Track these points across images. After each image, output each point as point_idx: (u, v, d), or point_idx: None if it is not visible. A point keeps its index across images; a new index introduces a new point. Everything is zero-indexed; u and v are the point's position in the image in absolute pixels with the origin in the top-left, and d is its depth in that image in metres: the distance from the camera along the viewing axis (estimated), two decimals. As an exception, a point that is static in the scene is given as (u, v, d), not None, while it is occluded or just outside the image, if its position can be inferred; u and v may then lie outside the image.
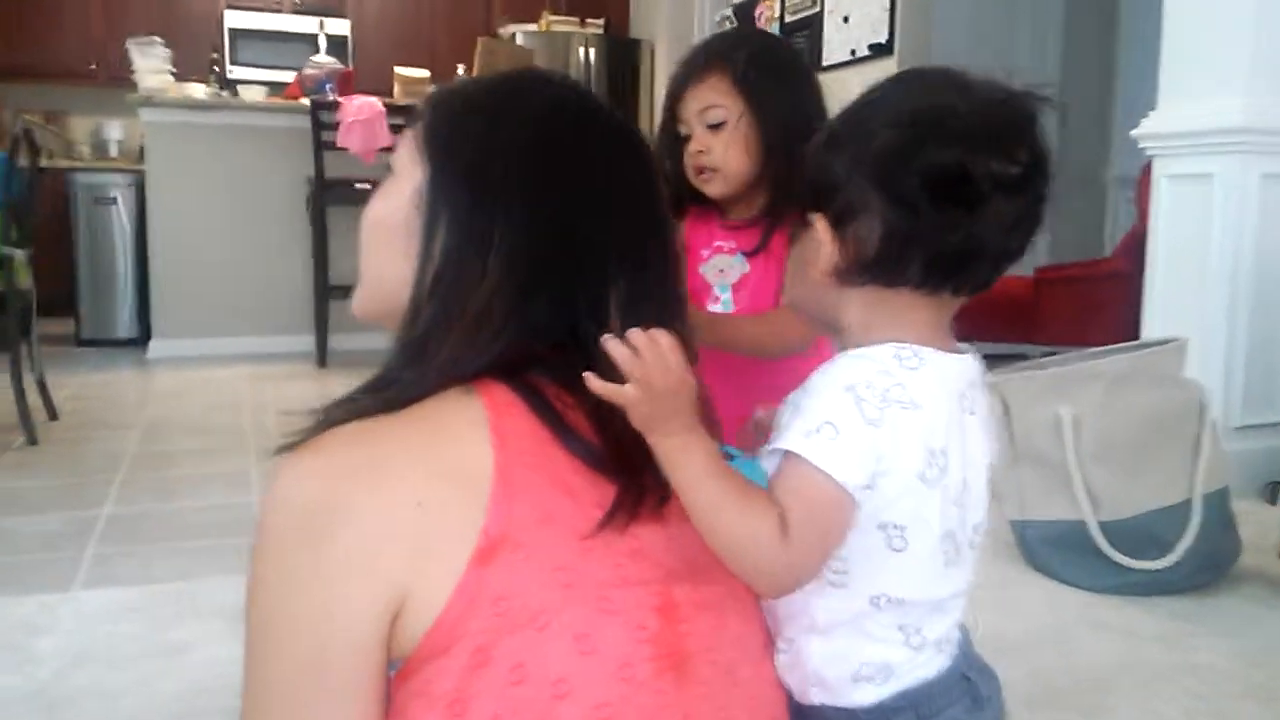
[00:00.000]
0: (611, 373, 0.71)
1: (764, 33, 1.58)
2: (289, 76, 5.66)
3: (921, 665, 0.78)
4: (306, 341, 5.08)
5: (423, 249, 0.77)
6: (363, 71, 5.56)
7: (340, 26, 6.73)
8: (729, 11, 5.97)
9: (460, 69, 5.56)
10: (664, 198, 0.86)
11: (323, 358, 4.86)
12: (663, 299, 0.81)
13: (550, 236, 0.77)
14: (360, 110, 4.59)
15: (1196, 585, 2.10)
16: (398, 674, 0.70)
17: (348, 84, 5.05)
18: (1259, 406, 2.88)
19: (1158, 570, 2.07)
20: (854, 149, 0.75)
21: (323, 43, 6.58)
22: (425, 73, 5.40)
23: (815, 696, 0.78)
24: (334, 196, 4.83)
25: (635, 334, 0.71)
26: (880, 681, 0.77)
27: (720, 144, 1.35)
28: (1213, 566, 2.14)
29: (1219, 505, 2.17)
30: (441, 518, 0.68)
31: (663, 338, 0.71)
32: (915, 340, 0.75)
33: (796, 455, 0.71)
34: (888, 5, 4.65)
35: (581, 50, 6.85)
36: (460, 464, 0.70)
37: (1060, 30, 5.35)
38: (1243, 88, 2.70)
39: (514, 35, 6.63)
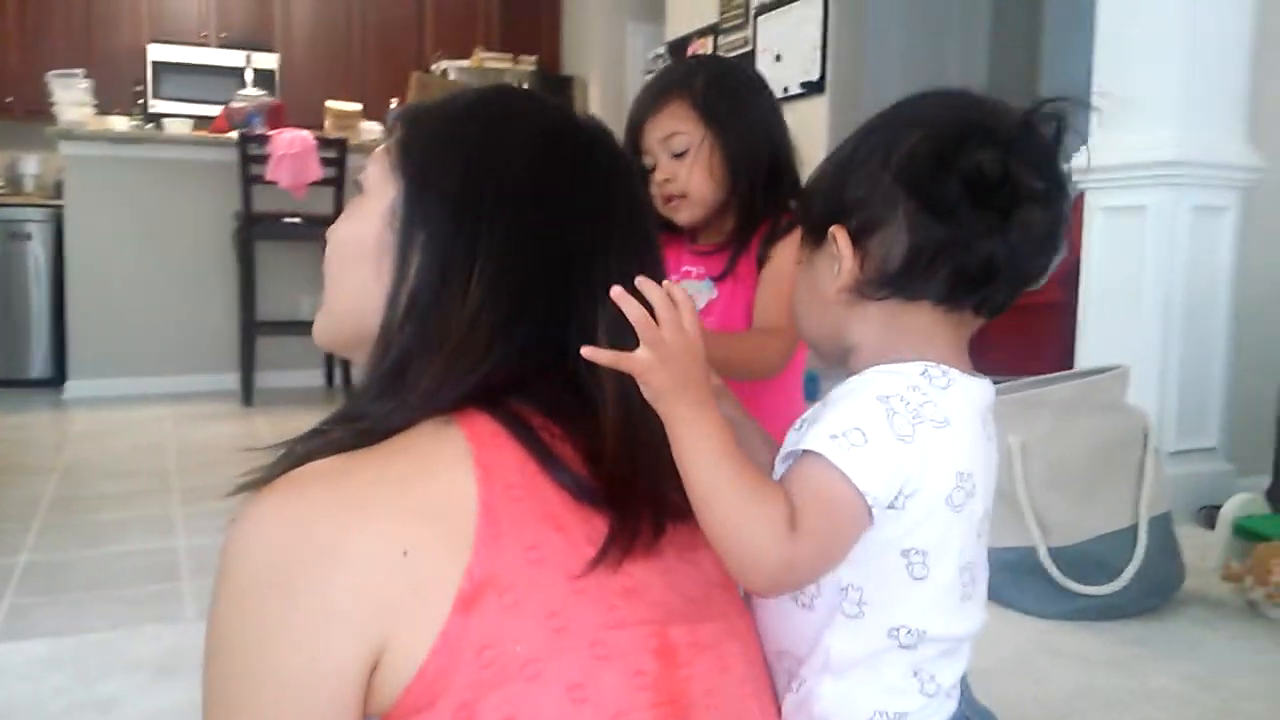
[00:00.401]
0: (602, 381, 0.69)
1: (719, 57, 1.59)
2: (214, 110, 5.54)
3: (933, 713, 0.74)
4: (231, 380, 4.94)
5: (397, 268, 0.73)
6: (291, 105, 5.46)
7: (268, 60, 6.63)
8: (662, 50, 6.02)
9: (394, 103, 5.50)
10: (653, 220, 0.83)
11: (248, 396, 4.72)
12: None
13: (538, 260, 0.73)
14: (291, 144, 4.51)
15: (1144, 609, 2.11)
16: None
17: (277, 117, 4.96)
18: (1192, 432, 2.94)
19: (1107, 595, 2.08)
20: (880, 157, 0.73)
21: (249, 76, 6.47)
22: (358, 106, 5.33)
23: None
24: (262, 231, 4.73)
25: (648, 286, 0.68)
26: None
27: (685, 170, 1.35)
28: (1159, 591, 2.16)
29: (1163, 530, 2.19)
30: (425, 562, 0.63)
31: (678, 293, 0.69)
32: (938, 360, 0.73)
33: (817, 454, 0.67)
34: (819, 44, 4.72)
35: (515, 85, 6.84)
36: (443, 501, 0.65)
37: (986, 66, 5.47)
38: (1174, 121, 2.77)
39: (445, 71, 6.60)
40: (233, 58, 6.52)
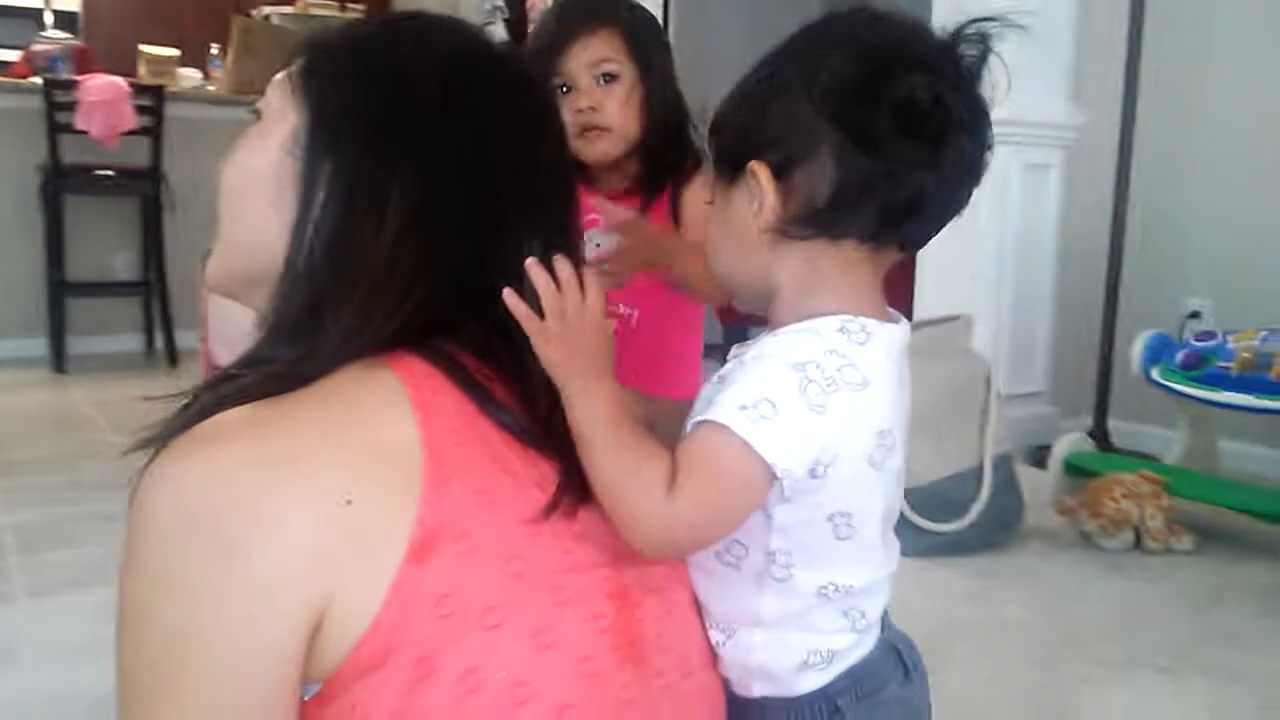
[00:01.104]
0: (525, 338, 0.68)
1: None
2: (11, 55, 5.08)
3: (859, 647, 0.75)
4: (39, 345, 4.58)
5: (301, 199, 0.68)
6: (99, 50, 5.07)
7: (69, 2, 6.13)
8: (500, 2, 5.88)
9: (214, 48, 5.19)
10: (571, 157, 0.80)
11: (60, 362, 4.39)
12: (577, 264, 0.74)
13: (458, 192, 0.69)
14: (102, 90, 4.18)
15: (990, 544, 2.24)
16: (316, 697, 0.59)
17: (84, 62, 4.59)
18: (1021, 378, 3.11)
19: (957, 532, 2.18)
20: (802, 86, 0.68)
21: (49, 19, 5.96)
22: (175, 52, 4.98)
23: (758, 690, 0.74)
24: (71, 185, 4.38)
25: (561, 265, 0.67)
26: (824, 667, 0.73)
27: (615, 101, 1.28)
28: (1003, 526, 2.29)
29: (1005, 469, 2.32)
30: (370, 511, 0.59)
31: (590, 279, 0.68)
32: (856, 308, 0.70)
33: (719, 424, 0.65)
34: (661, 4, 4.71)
35: (341, 35, 6.57)
36: (384, 446, 0.61)
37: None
38: (1005, 83, 2.89)
39: (268, 16, 6.26)
40: (28, -3, 6.00)
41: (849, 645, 0.74)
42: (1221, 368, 2.45)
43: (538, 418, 0.68)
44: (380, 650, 0.57)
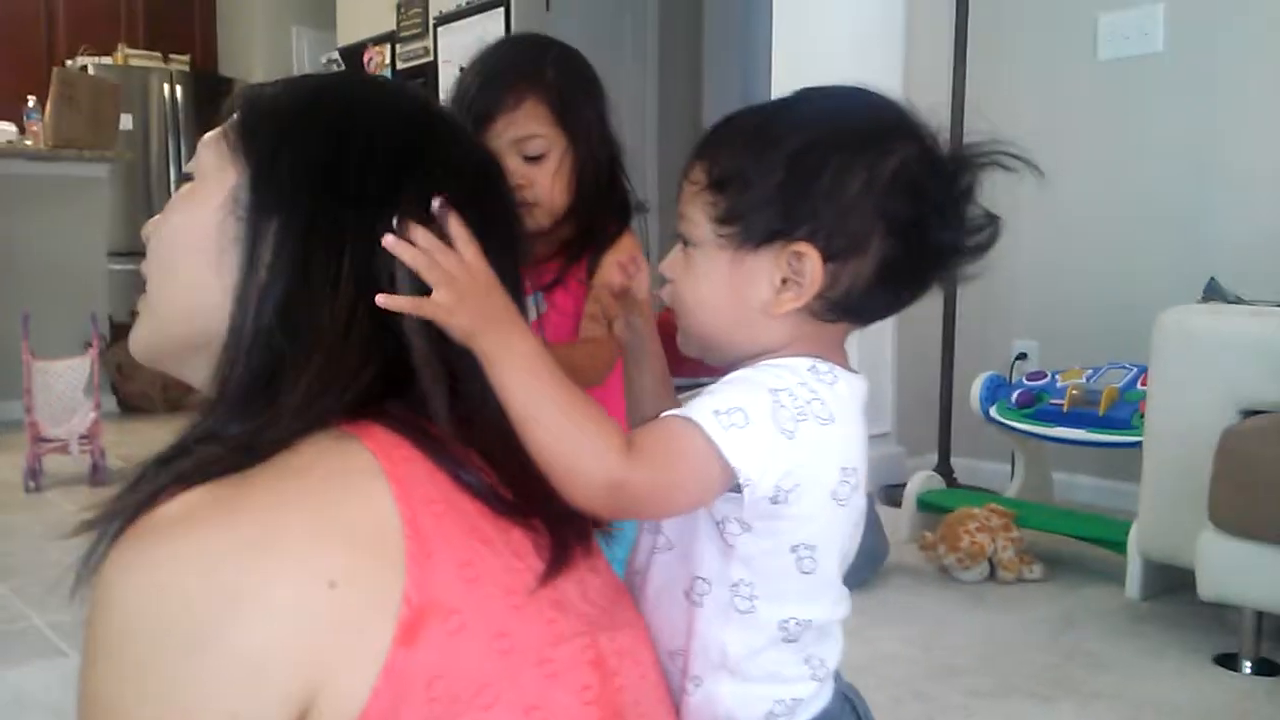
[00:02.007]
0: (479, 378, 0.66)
1: (558, 41, 1.34)
2: None
3: (819, 697, 0.77)
4: None
5: (245, 262, 0.65)
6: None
7: None
8: (335, 55, 5.81)
9: (31, 100, 4.90)
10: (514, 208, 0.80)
11: None
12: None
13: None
14: (-95, 144, 3.89)
15: (859, 583, 2.31)
16: None
17: (-117, 114, 4.27)
18: (870, 419, 3.19)
19: (828, 573, 2.25)
20: (862, 178, 0.70)
21: None
22: (-16, 104, 4.70)
23: None
24: None
25: (419, 233, 0.65)
26: (788, 717, 0.75)
27: (544, 176, 1.24)
28: (871, 564, 2.38)
29: (868, 509, 2.41)
30: (355, 593, 0.56)
31: (455, 228, 0.66)
32: (825, 357, 0.73)
33: (690, 420, 0.66)
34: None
35: (166, 87, 6.33)
36: (363, 523, 0.58)
37: (656, 86, 5.73)
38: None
39: (86, 67, 5.98)
40: None
41: (810, 694, 0.76)
42: (1054, 404, 2.63)
43: (505, 480, 0.66)
44: None
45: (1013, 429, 2.70)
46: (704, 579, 0.72)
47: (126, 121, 5.71)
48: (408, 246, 0.64)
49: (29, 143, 4.79)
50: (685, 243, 0.75)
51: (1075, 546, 2.53)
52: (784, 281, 0.72)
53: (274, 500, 0.59)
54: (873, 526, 2.40)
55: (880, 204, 0.71)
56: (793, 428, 0.67)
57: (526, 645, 0.61)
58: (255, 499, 0.58)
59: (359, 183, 0.66)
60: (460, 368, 0.66)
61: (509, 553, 0.63)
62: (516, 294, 0.74)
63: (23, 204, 4.54)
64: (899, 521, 2.72)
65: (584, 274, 1.28)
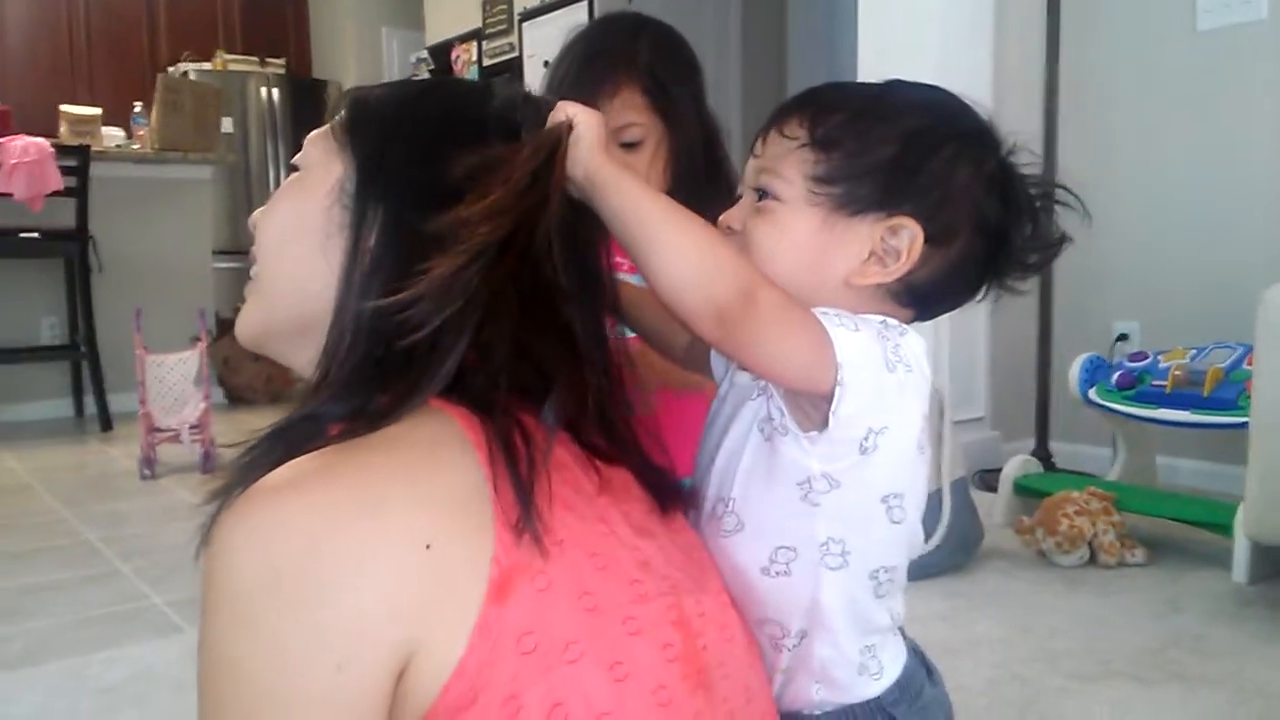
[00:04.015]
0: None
1: (654, 20, 1.29)
2: (-77, 117, 4.95)
3: (899, 653, 0.78)
4: (-39, 417, 4.45)
5: (351, 244, 0.70)
6: (14, 111, 4.96)
7: (-22, 63, 6.00)
8: (424, 54, 5.91)
9: (137, 106, 5.11)
10: None
11: (-13, 433, 4.25)
12: (600, 287, 0.76)
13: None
14: (25, 151, 4.10)
15: (954, 566, 2.29)
16: None
17: (4, 124, 4.49)
18: (963, 404, 3.21)
19: (922, 556, 2.24)
20: (970, 169, 0.72)
21: (-41, 81, 5.83)
22: (96, 111, 4.91)
23: (818, 694, 0.76)
24: (-7, 248, 4.28)
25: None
26: (876, 673, 0.76)
27: (641, 165, 1.21)
28: (964, 548, 2.35)
29: (962, 493, 2.39)
30: (450, 554, 0.60)
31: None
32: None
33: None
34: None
35: (263, 90, 6.53)
36: (456, 488, 0.62)
37: (739, 75, 5.72)
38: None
39: (187, 73, 6.20)
40: (-64, 59, 5.86)
41: (893, 647, 0.77)
42: (1156, 386, 2.56)
43: (594, 451, 0.70)
44: (468, 691, 0.58)
45: (1113, 411, 2.63)
46: (787, 547, 0.72)
47: (227, 125, 5.91)
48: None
49: (136, 147, 5.00)
50: (762, 195, 0.75)
51: (1179, 530, 2.46)
52: (870, 255, 0.72)
53: (374, 467, 0.62)
54: (967, 510, 2.37)
55: (977, 201, 0.72)
56: (893, 360, 0.67)
57: (611, 604, 0.63)
58: (357, 466, 0.61)
59: (461, 174, 0.69)
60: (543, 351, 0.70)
61: (594, 517, 0.66)
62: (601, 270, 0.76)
63: (132, 206, 4.75)
64: (995, 506, 2.68)
65: None
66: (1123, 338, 3.20)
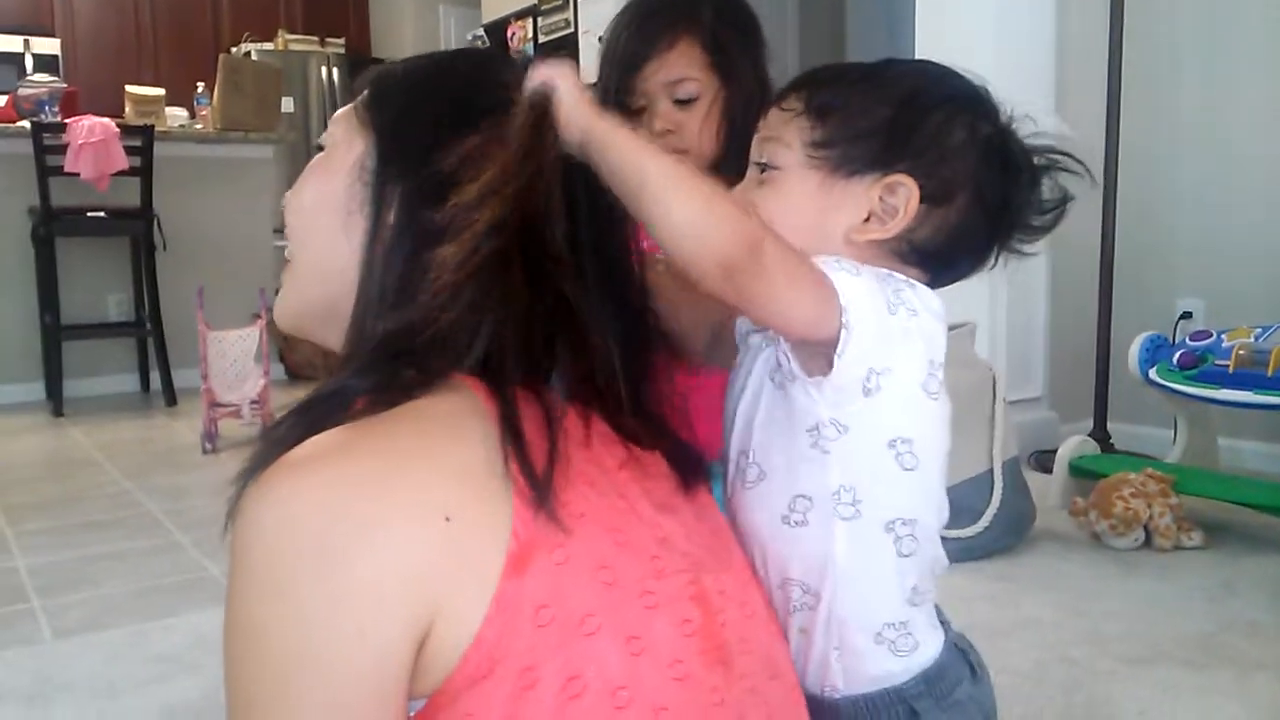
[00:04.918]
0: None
1: None
2: (-4, 99, 5.10)
3: (931, 641, 0.77)
4: (37, 390, 4.58)
5: (371, 223, 0.70)
6: (80, 92, 5.09)
7: (48, 45, 6.15)
8: (480, 32, 5.93)
9: (200, 86, 5.20)
10: None
11: (58, 406, 4.38)
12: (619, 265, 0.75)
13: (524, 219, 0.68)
14: (91, 131, 4.20)
15: (1004, 548, 2.26)
16: (428, 705, 0.61)
17: (72, 104, 4.61)
18: (1020, 383, 3.16)
19: (972, 537, 2.21)
20: (965, 131, 0.74)
21: (29, 63, 5.98)
22: (160, 91, 5.01)
23: (836, 661, 0.75)
24: (63, 227, 4.40)
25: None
26: (903, 651, 0.75)
27: (694, 122, 1.20)
28: (1015, 530, 2.32)
29: (1014, 473, 2.35)
30: (469, 526, 0.60)
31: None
32: None
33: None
34: None
35: (323, 69, 6.61)
36: (475, 461, 0.62)
37: (798, 62, 5.65)
38: (998, 61, 2.96)
39: (249, 53, 6.29)
40: (9, 43, 6.01)
41: (929, 641, 0.76)
42: (1219, 365, 2.49)
43: (616, 425, 0.70)
44: (485, 662, 0.59)
45: (1174, 391, 2.57)
46: (804, 495, 0.73)
47: (288, 104, 6.00)
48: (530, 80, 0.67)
49: (199, 126, 5.10)
50: (764, 168, 0.77)
51: (1239, 514, 2.40)
52: (870, 215, 0.74)
53: (394, 441, 0.63)
54: (1018, 491, 2.34)
55: (974, 165, 0.74)
56: (894, 302, 0.69)
57: (629, 578, 0.63)
58: (377, 440, 0.62)
59: (477, 147, 0.69)
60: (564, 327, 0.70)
61: (614, 492, 0.66)
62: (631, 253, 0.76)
63: (195, 185, 4.84)
64: (1050, 487, 2.64)
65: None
66: (1186, 315, 3.12)
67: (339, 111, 0.77)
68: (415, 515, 0.60)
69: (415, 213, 0.69)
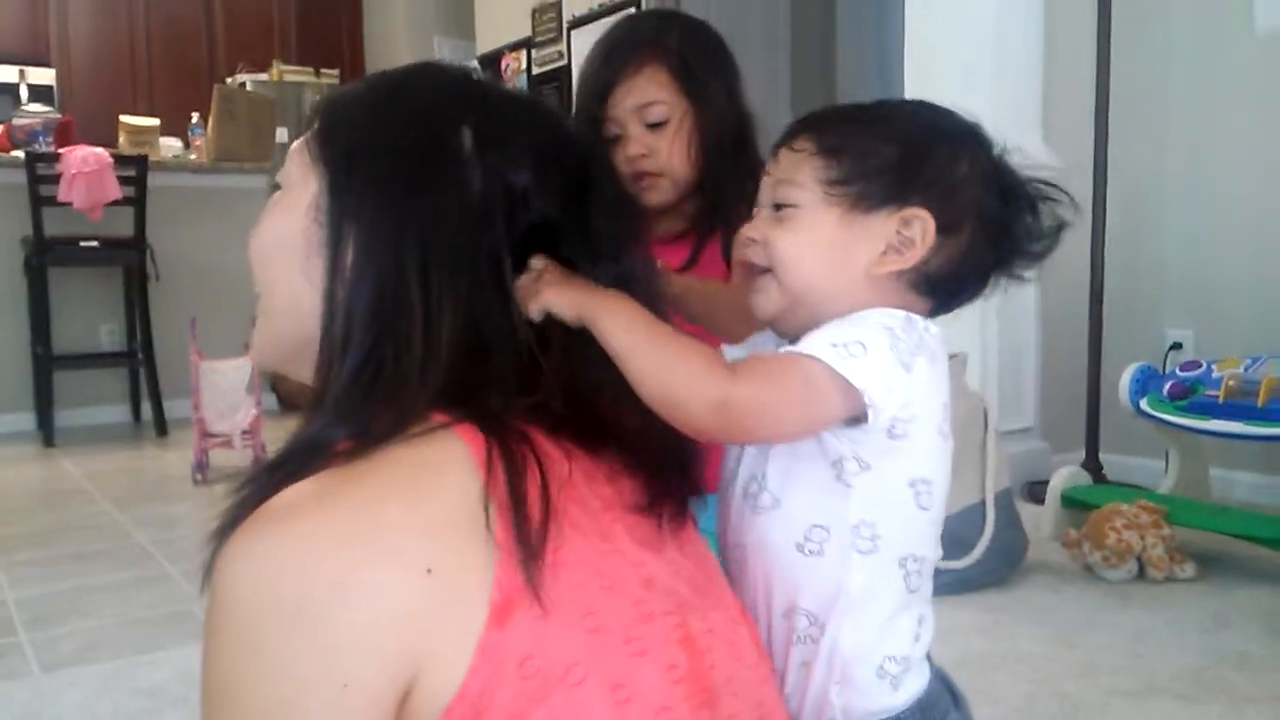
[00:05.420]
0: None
1: (682, 13, 1.49)
2: (-11, 129, 5.11)
3: (921, 671, 0.78)
4: (27, 420, 4.57)
5: (330, 265, 0.68)
6: (76, 121, 5.10)
7: (44, 75, 6.17)
8: (474, 63, 5.97)
9: (194, 116, 5.23)
10: (630, 201, 0.81)
11: (49, 436, 4.37)
12: (622, 277, 0.74)
13: (485, 244, 0.68)
14: (85, 161, 4.21)
15: (996, 580, 2.26)
16: None
17: (66, 134, 4.62)
18: (1011, 414, 3.16)
19: (963, 569, 2.21)
20: (969, 164, 0.77)
21: (24, 93, 6.01)
22: (155, 121, 5.03)
23: (836, 697, 0.75)
24: (55, 257, 4.41)
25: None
26: (896, 682, 0.75)
27: (665, 145, 1.21)
28: (1008, 561, 2.31)
29: (1006, 504, 2.35)
30: (451, 577, 0.59)
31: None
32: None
33: (807, 354, 0.69)
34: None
35: (317, 100, 6.63)
36: (456, 510, 0.61)
37: (788, 88, 5.69)
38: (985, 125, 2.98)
39: (243, 84, 6.32)
40: (5, 73, 6.04)
41: (917, 672, 0.76)
42: (1209, 396, 2.50)
43: (597, 460, 0.69)
44: (470, 713, 0.58)
45: (1165, 422, 2.58)
46: (821, 526, 0.73)
47: (282, 134, 6.01)
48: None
49: (193, 156, 5.11)
50: (779, 206, 0.79)
51: (1231, 545, 2.40)
52: (888, 247, 0.76)
53: (373, 491, 0.61)
54: (1010, 522, 2.34)
55: (977, 194, 0.77)
56: (909, 360, 0.71)
57: (614, 624, 0.62)
58: (356, 490, 0.61)
59: (431, 178, 0.68)
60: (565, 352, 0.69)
61: (598, 534, 0.65)
62: (624, 260, 0.74)
63: (189, 215, 4.85)
64: (1042, 518, 2.63)
65: (719, 255, 1.23)
66: (1176, 346, 3.13)
67: (293, 146, 0.74)
68: (395, 567, 0.58)
69: (373, 255, 0.67)
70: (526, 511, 0.61)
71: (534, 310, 0.68)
